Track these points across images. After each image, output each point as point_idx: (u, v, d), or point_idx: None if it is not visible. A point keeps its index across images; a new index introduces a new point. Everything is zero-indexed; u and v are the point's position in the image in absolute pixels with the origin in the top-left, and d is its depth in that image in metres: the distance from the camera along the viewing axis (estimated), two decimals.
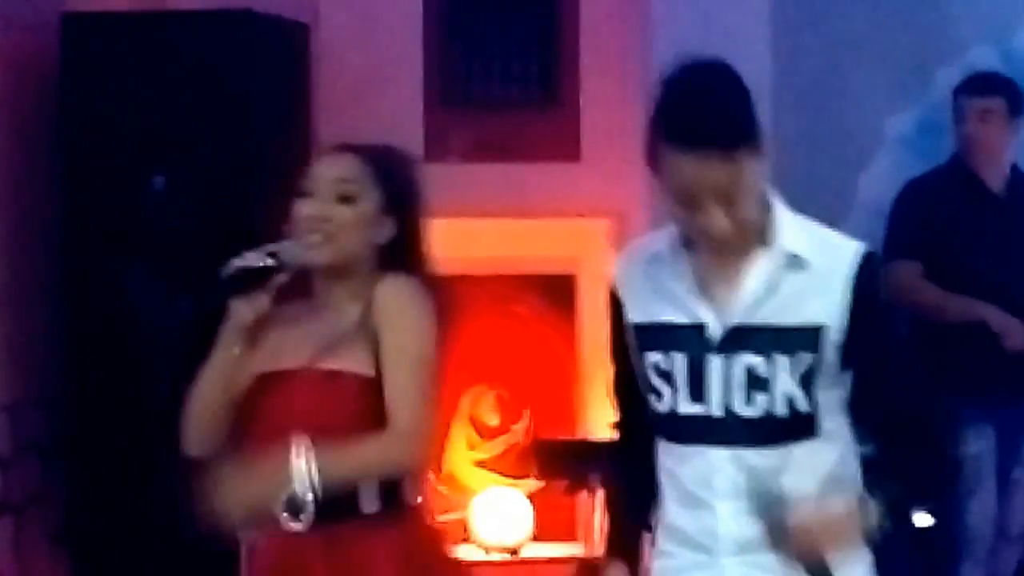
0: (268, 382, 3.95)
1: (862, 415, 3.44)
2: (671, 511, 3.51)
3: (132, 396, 6.77)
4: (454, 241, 8.38)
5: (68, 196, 7.39)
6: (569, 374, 8.63)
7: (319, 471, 3.77)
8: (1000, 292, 6.53)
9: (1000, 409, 6.61)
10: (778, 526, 3.23)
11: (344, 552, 3.86)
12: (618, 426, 3.83)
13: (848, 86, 7.75)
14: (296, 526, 3.81)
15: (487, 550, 8.43)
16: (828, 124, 7.85)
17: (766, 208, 3.42)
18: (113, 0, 7.96)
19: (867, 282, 3.35)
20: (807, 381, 3.33)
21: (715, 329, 3.37)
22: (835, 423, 3.40)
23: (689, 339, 3.40)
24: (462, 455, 8.52)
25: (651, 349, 3.46)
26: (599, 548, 7.58)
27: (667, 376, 3.43)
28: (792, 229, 3.43)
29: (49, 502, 7.60)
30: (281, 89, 7.72)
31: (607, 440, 7.19)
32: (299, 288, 4.04)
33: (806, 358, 3.31)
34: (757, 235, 3.38)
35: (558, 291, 8.75)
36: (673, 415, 3.43)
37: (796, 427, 3.35)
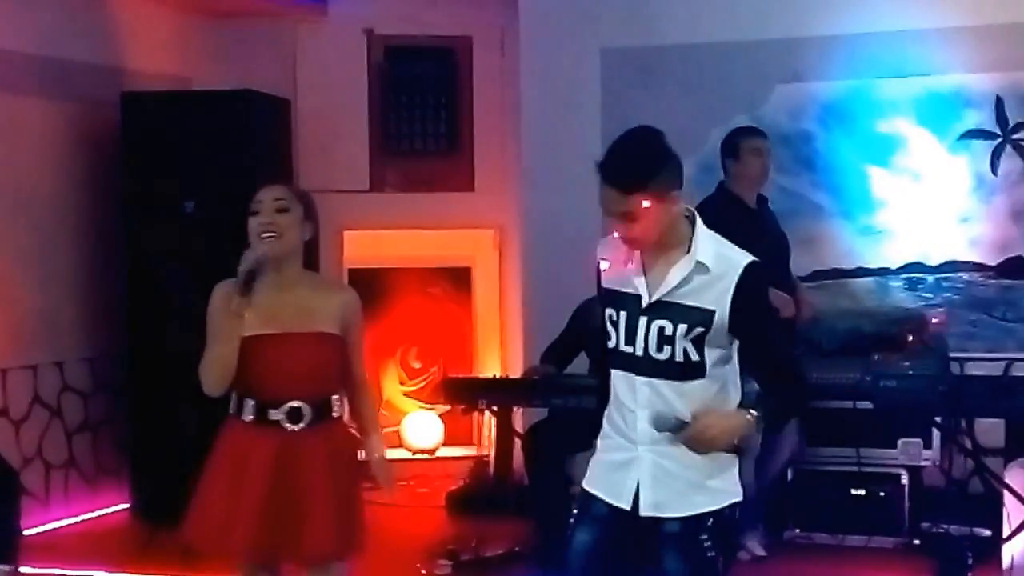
0: (269, 341, 4.02)
1: (749, 367, 3.52)
2: (612, 412, 3.59)
3: (170, 352, 6.83)
4: (390, 246, 8.62)
5: (128, 215, 7.46)
6: (467, 334, 8.70)
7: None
8: None
9: None
10: (673, 429, 3.41)
11: (292, 442, 4.02)
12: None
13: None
14: (293, 428, 4.02)
15: (413, 452, 8.49)
16: None
17: (691, 227, 3.47)
18: (155, 82, 7.97)
19: (747, 284, 3.40)
20: (698, 343, 3.40)
21: (645, 300, 3.45)
22: (718, 371, 3.46)
23: (630, 303, 3.48)
24: (396, 389, 8.59)
25: (609, 306, 3.55)
26: (487, 450, 7.79)
27: (615, 325, 3.51)
28: (705, 244, 3.45)
29: (116, 424, 7.69)
30: (271, 142, 7.79)
31: (490, 377, 7.32)
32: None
33: (698, 329, 3.39)
34: (682, 244, 3.45)
35: (460, 279, 8.83)
36: (616, 351, 3.52)
37: (689, 370, 3.43)
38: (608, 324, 3.55)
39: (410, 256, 8.66)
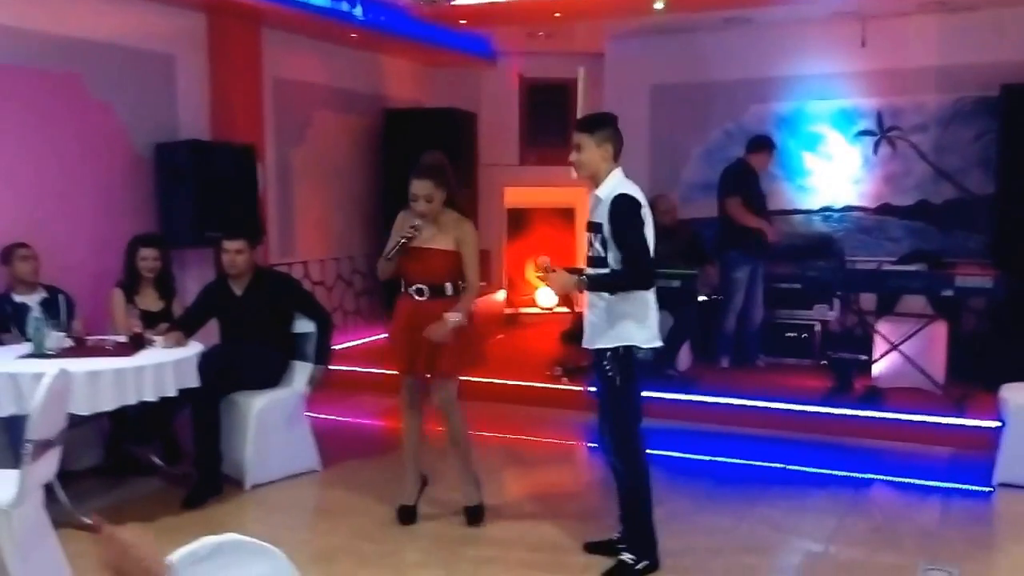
0: (413, 251, 3.76)
1: (621, 260, 3.16)
2: None
3: None
4: (530, 196, 8.76)
5: (387, 180, 7.44)
6: (571, 245, 8.72)
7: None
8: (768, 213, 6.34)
9: (754, 259, 6.27)
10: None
11: (425, 307, 3.76)
12: None
13: (679, 135, 7.47)
14: (420, 299, 3.79)
15: (541, 309, 8.63)
16: (671, 150, 7.53)
17: (608, 173, 3.21)
18: (402, 103, 8.05)
19: (613, 206, 3.11)
20: (603, 244, 3.17)
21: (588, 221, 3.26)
22: (615, 261, 3.17)
23: (589, 225, 3.28)
24: (532, 275, 8.46)
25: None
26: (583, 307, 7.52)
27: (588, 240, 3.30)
28: (607, 185, 3.18)
29: (378, 291, 7.47)
30: (466, 138, 7.75)
31: (583, 267, 6.96)
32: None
33: (599, 235, 3.17)
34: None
35: (567, 215, 8.86)
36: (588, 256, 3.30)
37: (600, 262, 3.21)
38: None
39: (541, 201, 8.71)
